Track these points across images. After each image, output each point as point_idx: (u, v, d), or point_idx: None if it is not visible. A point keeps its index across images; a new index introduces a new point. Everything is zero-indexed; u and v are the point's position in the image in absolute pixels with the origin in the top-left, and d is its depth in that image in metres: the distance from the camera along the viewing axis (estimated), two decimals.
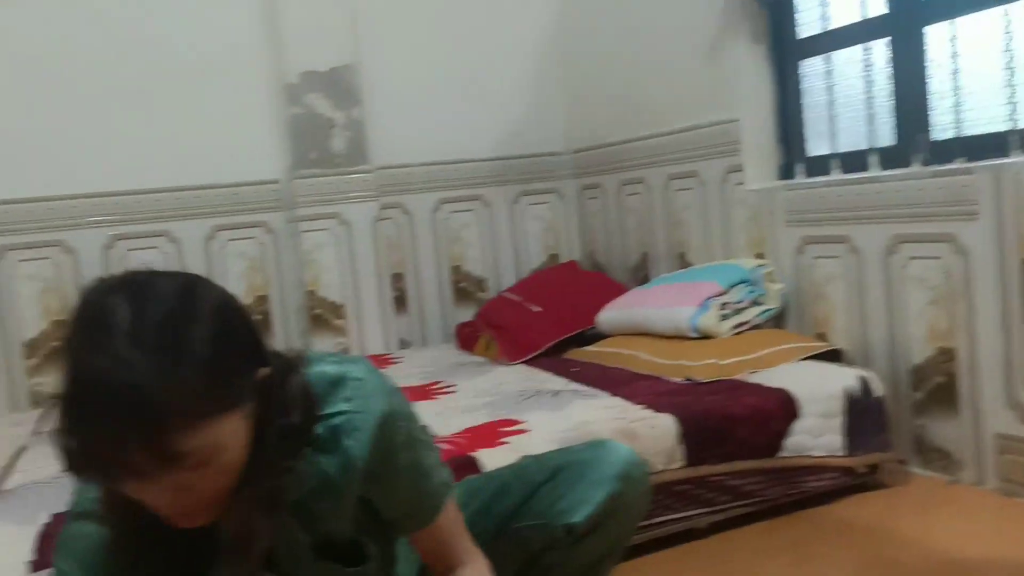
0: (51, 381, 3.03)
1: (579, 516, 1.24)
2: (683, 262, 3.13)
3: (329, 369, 1.04)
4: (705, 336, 2.58)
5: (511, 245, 3.69)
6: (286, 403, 0.95)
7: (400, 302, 3.49)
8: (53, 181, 2.99)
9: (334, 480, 1.03)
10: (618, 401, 2.23)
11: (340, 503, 1.05)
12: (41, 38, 2.99)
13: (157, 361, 0.79)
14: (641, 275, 3.36)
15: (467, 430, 2.16)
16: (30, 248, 2.99)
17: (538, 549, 1.26)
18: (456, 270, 3.61)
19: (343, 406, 1.02)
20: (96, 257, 3.06)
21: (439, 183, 3.56)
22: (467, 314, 3.53)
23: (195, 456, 0.82)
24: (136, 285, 0.84)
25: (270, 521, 0.94)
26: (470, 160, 3.60)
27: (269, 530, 0.94)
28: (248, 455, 0.90)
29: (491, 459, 1.92)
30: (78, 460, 0.81)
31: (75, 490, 1.04)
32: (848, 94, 2.64)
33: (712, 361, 2.42)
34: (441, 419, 2.30)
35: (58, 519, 1.71)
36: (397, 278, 3.48)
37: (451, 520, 1.15)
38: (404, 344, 3.49)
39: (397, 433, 1.06)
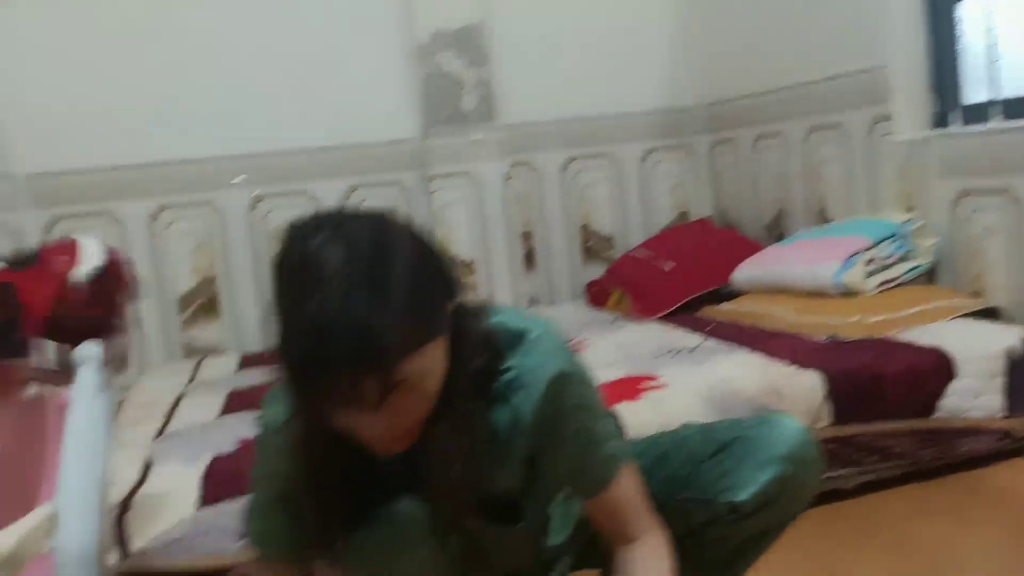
0: (202, 334, 3.20)
1: (745, 495, 1.17)
2: (822, 218, 3.01)
3: (511, 323, 1.04)
4: (849, 293, 2.49)
5: (640, 203, 3.64)
6: (471, 341, 0.97)
7: (529, 260, 3.50)
8: (202, 143, 3.13)
9: (502, 435, 1.02)
10: (759, 358, 2.18)
11: (506, 459, 1.04)
12: (187, 4, 3.12)
13: (373, 297, 0.82)
14: (776, 232, 3.26)
15: (604, 385, 2.16)
16: (182, 207, 3.15)
17: (699, 523, 1.21)
18: (584, 228, 3.59)
19: (518, 361, 1.01)
20: (241, 216, 3.19)
21: (567, 140, 3.54)
22: (595, 272, 3.52)
23: (409, 383, 0.86)
24: (335, 227, 0.86)
25: (468, 446, 0.98)
26: (598, 117, 3.56)
27: (468, 455, 0.97)
28: (443, 384, 0.93)
29: (632, 413, 1.91)
30: (311, 401, 0.87)
31: (263, 416, 1.09)
32: (1011, 36, 2.46)
33: (857, 319, 2.33)
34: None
35: (218, 461, 1.81)
36: (526, 236, 3.49)
37: (626, 492, 1.09)
38: (533, 302, 3.51)
39: (568, 396, 1.03)
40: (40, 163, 2.98)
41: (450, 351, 0.94)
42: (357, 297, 0.82)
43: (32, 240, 2.96)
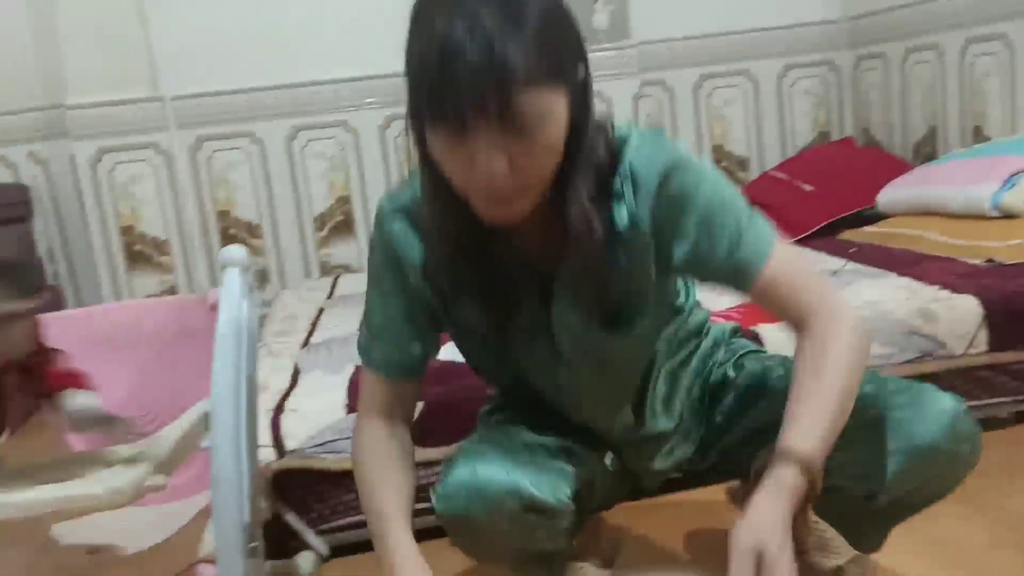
0: (337, 252, 3.29)
1: (886, 484, 1.06)
2: (979, 136, 2.82)
3: (620, 124, 1.03)
4: (1008, 215, 2.33)
5: (777, 122, 3.50)
6: (593, 123, 0.96)
7: None
8: (335, 66, 3.17)
9: (622, 235, 1.02)
10: (908, 282, 2.08)
11: (627, 260, 1.03)
12: None
13: (506, 19, 0.83)
14: (926, 151, 3.08)
15: (742, 305, 2.11)
16: (318, 128, 3.21)
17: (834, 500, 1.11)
18: (718, 149, 3.48)
19: (629, 157, 1.00)
20: (374, 137, 3.24)
21: (702, 58, 3.42)
22: None
23: (529, 119, 0.86)
24: None
25: (599, 213, 0.98)
26: (735, 32, 3.41)
27: (601, 221, 0.98)
28: (566, 147, 0.93)
29: (775, 335, 1.87)
30: (435, 121, 0.87)
31: (385, 201, 1.13)
32: None
33: (1018, 242, 2.19)
34: (713, 292, 2.26)
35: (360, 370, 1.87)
36: None
37: (781, 271, 1.00)
38: None
39: (688, 183, 1.00)
40: (186, 86, 3.09)
41: (573, 121, 0.92)
42: (489, 15, 0.83)
43: (181, 159, 3.10)
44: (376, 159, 3.26)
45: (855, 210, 2.82)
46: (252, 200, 3.21)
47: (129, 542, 1.23)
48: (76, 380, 1.18)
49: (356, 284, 2.98)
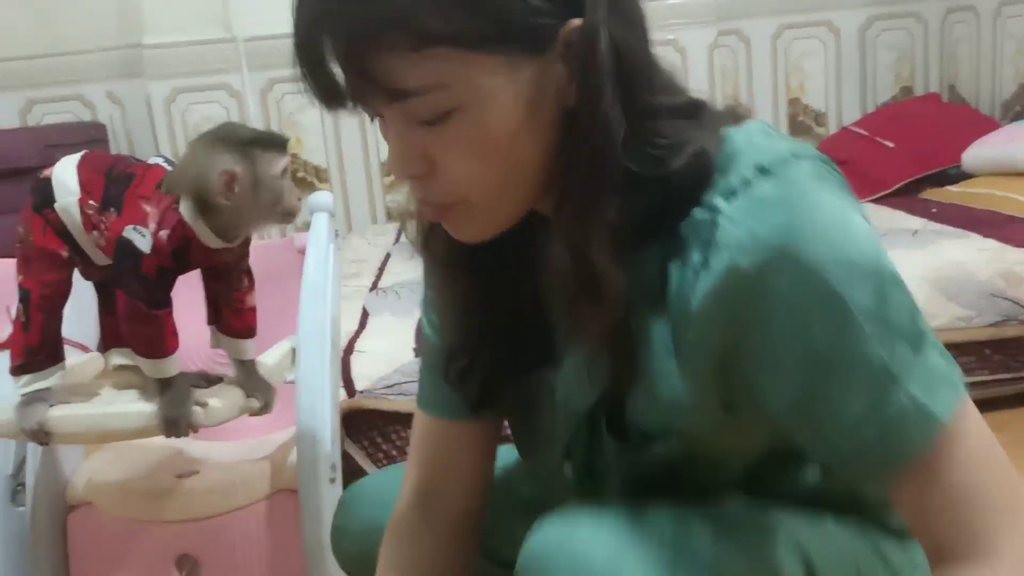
0: (400, 199, 3.29)
1: None
2: None
3: (759, 139, 0.61)
4: None
5: (859, 76, 3.37)
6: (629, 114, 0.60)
7: None
8: None
9: (690, 307, 0.61)
10: (993, 243, 2.01)
11: (680, 354, 0.62)
12: None
13: None
14: (1015, 110, 2.95)
15: None
16: None
17: None
18: (794, 102, 3.38)
19: (721, 202, 0.59)
20: None
21: (781, 7, 3.30)
22: None
23: (420, 92, 0.58)
24: None
25: (614, 259, 0.61)
26: None
27: (617, 274, 0.61)
28: (564, 147, 0.62)
29: None
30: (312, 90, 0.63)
31: None
32: None
33: None
34: None
35: None
36: None
37: (955, 469, 0.58)
38: None
39: (799, 295, 0.57)
40: (259, 27, 3.09)
41: (568, 111, 0.61)
42: None
43: (252, 101, 3.12)
44: None
45: (938, 168, 2.72)
46: (320, 144, 3.22)
47: (215, 472, 1.28)
48: (252, 330, 1.20)
49: None
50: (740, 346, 0.60)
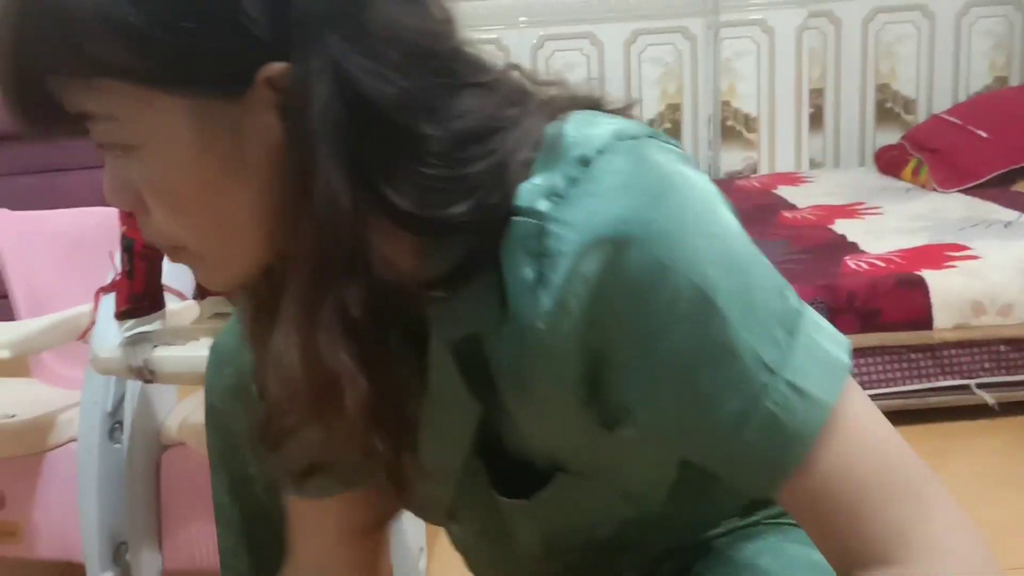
0: None
1: None
2: None
3: (579, 129, 0.53)
4: None
5: (952, 63, 3.27)
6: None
7: (815, 119, 3.28)
8: None
9: (537, 330, 0.53)
10: None
11: (548, 373, 0.55)
12: None
13: None
14: None
15: (902, 251, 2.02)
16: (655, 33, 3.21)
17: None
18: (883, 88, 3.29)
19: (546, 205, 0.51)
20: (526, 55, 3.22)
21: None
22: (888, 137, 3.24)
23: (95, 118, 0.52)
24: None
25: (361, 353, 0.53)
26: None
27: (360, 380, 0.53)
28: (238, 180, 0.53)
29: (942, 282, 1.78)
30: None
31: None
32: None
33: None
34: (870, 237, 2.17)
35: None
36: (815, 94, 3.26)
37: (849, 458, 0.51)
38: (814, 164, 3.31)
39: (652, 291, 0.50)
40: None
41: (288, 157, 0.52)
42: None
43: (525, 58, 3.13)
44: None
45: None
46: None
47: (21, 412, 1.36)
48: None
49: None
50: (602, 359, 0.53)
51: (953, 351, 1.83)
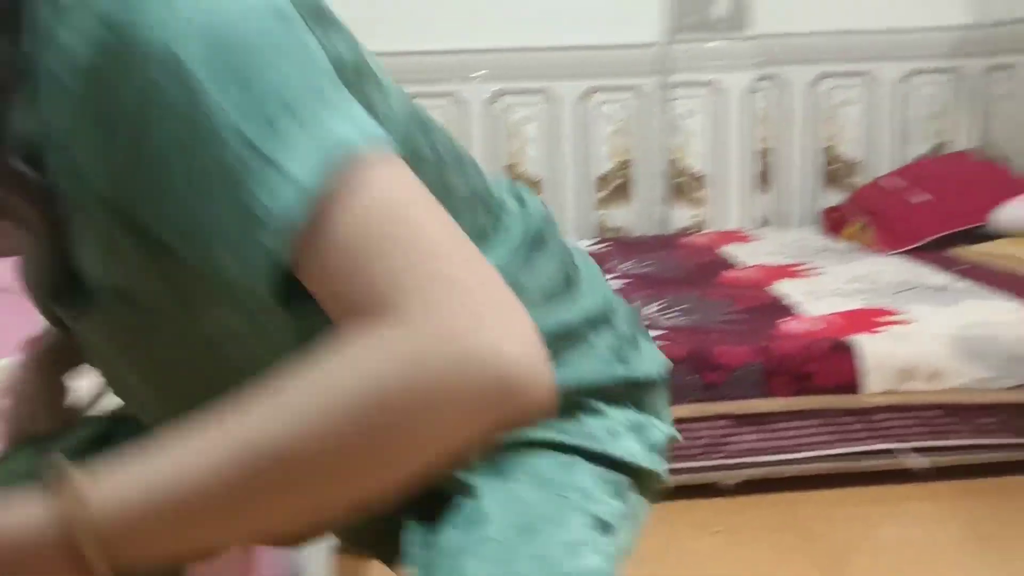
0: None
1: None
2: None
3: None
4: None
5: (894, 128, 3.38)
6: None
7: (763, 179, 3.36)
8: (445, 35, 3.18)
9: (60, 79, 0.49)
10: (1018, 305, 2.00)
11: (73, 143, 0.50)
12: None
13: None
14: None
15: (838, 313, 2.07)
16: (426, 97, 3.24)
17: None
18: (828, 151, 3.39)
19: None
20: (480, 109, 3.26)
21: (821, 55, 3.32)
22: (832, 198, 3.32)
23: None
24: None
25: None
26: (858, 31, 3.29)
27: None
28: None
29: (872, 347, 1.82)
30: None
31: None
32: None
33: None
34: (810, 298, 2.22)
35: None
36: (763, 153, 3.34)
37: (352, 231, 0.47)
38: (763, 222, 3.38)
39: (140, 68, 0.47)
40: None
41: None
42: None
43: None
44: (480, 132, 3.28)
45: (968, 226, 2.71)
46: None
47: None
48: None
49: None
50: (112, 162, 0.49)
51: (883, 416, 1.86)
